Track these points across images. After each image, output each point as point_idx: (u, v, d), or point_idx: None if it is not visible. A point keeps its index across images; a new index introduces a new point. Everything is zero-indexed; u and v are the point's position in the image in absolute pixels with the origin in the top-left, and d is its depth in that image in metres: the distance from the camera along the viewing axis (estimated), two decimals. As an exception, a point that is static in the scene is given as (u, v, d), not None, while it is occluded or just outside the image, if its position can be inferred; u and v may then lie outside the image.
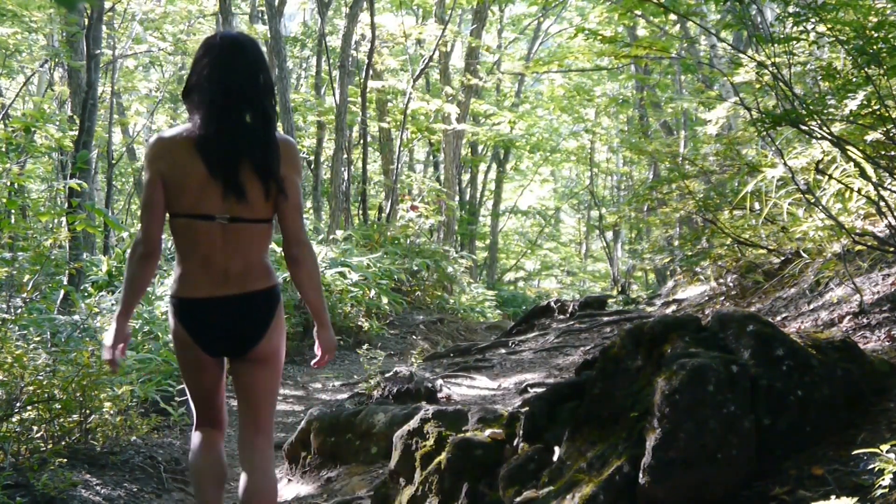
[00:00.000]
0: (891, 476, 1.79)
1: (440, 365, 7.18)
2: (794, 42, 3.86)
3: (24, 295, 5.22)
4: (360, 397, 5.33)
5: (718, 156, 7.47)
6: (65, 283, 6.44)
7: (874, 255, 4.11)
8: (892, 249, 3.86)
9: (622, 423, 2.35)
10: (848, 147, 3.82)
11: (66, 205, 6.45)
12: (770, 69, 3.72)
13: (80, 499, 3.58)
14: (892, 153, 3.97)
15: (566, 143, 22.88)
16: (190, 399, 2.68)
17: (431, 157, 21.33)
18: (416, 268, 11.43)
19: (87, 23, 8.16)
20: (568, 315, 8.52)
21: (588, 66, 17.81)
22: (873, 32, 3.39)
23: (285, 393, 6.97)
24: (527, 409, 2.88)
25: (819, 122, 3.59)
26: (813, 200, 4.30)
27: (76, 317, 5.32)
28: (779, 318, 4.22)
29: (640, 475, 2.12)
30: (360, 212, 14.87)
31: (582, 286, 26.12)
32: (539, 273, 27.18)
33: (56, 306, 5.90)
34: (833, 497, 1.80)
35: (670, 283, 10.65)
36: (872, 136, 3.72)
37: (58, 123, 9.38)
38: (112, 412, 4.33)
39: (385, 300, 9.69)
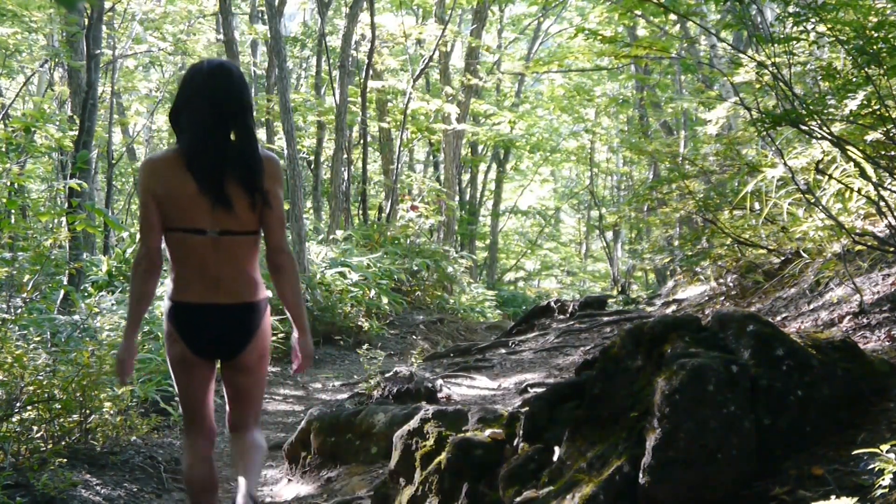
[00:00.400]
0: (891, 476, 1.79)
1: (440, 365, 7.18)
2: (794, 42, 3.86)
3: (24, 295, 5.22)
4: (360, 397, 5.33)
5: (718, 156, 7.47)
6: (65, 283, 6.43)
7: (874, 255, 4.11)
8: (892, 249, 3.86)
9: (622, 423, 2.35)
10: (848, 147, 3.82)
11: (66, 205, 6.45)
12: (770, 69, 3.72)
13: (80, 499, 3.58)
14: (892, 153, 3.97)
15: (566, 143, 22.86)
16: (180, 403, 2.84)
17: (431, 157, 21.33)
18: (416, 268, 11.43)
19: (87, 23, 8.16)
20: (568, 315, 8.52)
21: (588, 66, 17.81)
22: (873, 32, 3.39)
23: (285, 393, 6.97)
24: (527, 409, 2.88)
25: (819, 122, 3.59)
26: (813, 200, 4.30)
27: (76, 317, 5.31)
28: (779, 318, 4.22)
29: (640, 475, 2.12)
30: (360, 212, 14.87)
31: (582, 286, 26.12)
32: (539, 273, 27.18)
33: (56, 306, 5.89)
34: (833, 497, 1.80)
35: (670, 283, 10.65)
36: (872, 136, 3.72)
37: (58, 123, 9.37)
38: (112, 412, 4.33)
39: (385, 300, 9.69)
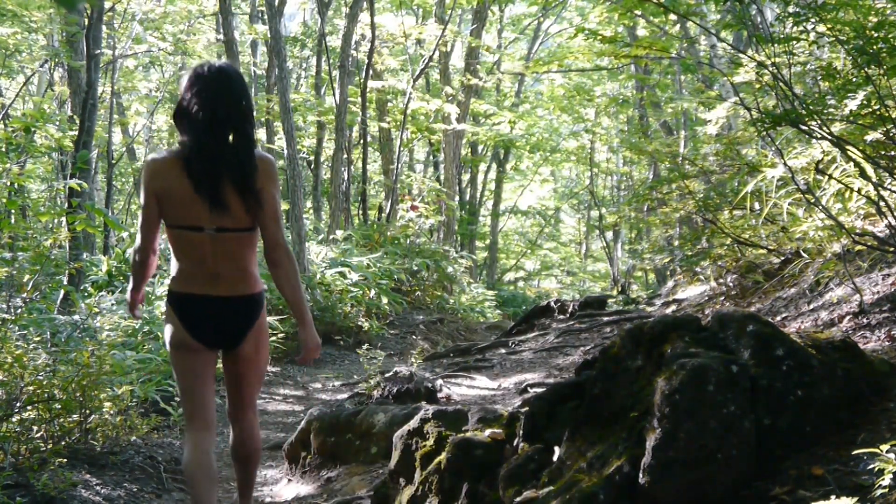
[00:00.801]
0: (891, 476, 1.79)
1: (440, 365, 7.18)
2: (794, 42, 3.86)
3: (24, 295, 5.22)
4: (360, 397, 5.33)
5: (718, 156, 7.47)
6: (65, 283, 6.43)
7: (874, 255, 4.11)
8: (892, 249, 3.86)
9: (622, 423, 2.35)
10: (848, 147, 3.81)
11: (66, 205, 6.44)
12: (770, 69, 3.72)
13: (80, 499, 3.58)
14: (892, 153, 3.97)
15: (566, 143, 22.86)
16: (181, 395, 2.92)
17: (431, 157, 21.32)
18: (416, 268, 11.43)
19: (87, 23, 8.16)
20: (568, 315, 8.53)
21: (588, 66, 17.81)
22: (873, 32, 3.39)
23: (285, 393, 6.97)
24: (527, 409, 2.88)
25: (819, 122, 3.59)
26: (813, 200, 4.30)
27: (76, 317, 5.31)
28: (779, 318, 4.22)
29: (640, 475, 2.12)
30: (360, 212, 14.86)
31: (582, 286, 26.12)
32: (539, 273, 27.18)
33: (56, 306, 5.89)
34: (833, 497, 1.80)
35: (670, 283, 10.65)
36: (872, 136, 3.72)
37: (58, 123, 9.37)
38: (112, 412, 4.32)
39: (385, 300, 9.69)
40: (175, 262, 2.80)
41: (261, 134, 16.09)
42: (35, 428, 3.99)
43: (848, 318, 3.42)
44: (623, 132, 21.30)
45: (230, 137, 2.70)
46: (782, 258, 5.54)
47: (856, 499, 1.74)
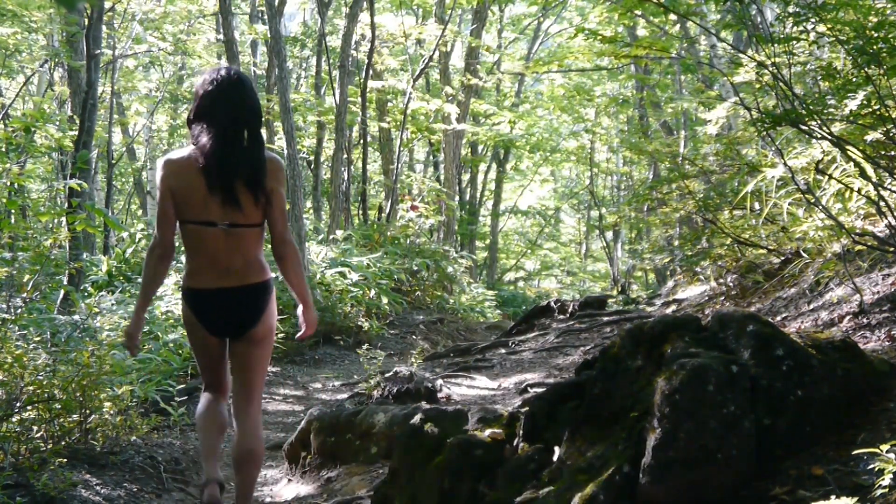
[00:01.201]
0: (891, 476, 1.79)
1: (440, 365, 7.18)
2: (794, 42, 3.86)
3: (24, 295, 5.21)
4: (360, 397, 5.33)
5: (718, 156, 7.47)
6: (65, 283, 6.43)
7: (874, 255, 4.11)
8: (892, 249, 3.86)
9: (622, 423, 2.35)
10: (848, 147, 3.81)
11: (66, 205, 6.44)
12: (770, 69, 3.72)
13: (80, 499, 3.58)
14: (892, 153, 3.97)
15: (566, 143, 22.85)
16: (199, 370, 3.25)
17: (431, 157, 21.32)
18: (416, 268, 11.43)
19: (87, 23, 8.15)
20: (568, 315, 8.52)
21: (588, 66, 17.80)
22: (873, 32, 3.39)
23: (285, 393, 6.97)
24: (527, 409, 2.88)
25: (819, 122, 3.59)
26: (813, 200, 4.30)
27: (76, 317, 5.31)
28: (779, 318, 4.22)
29: (640, 475, 2.12)
30: (360, 212, 14.85)
31: (582, 286, 26.10)
32: (539, 273, 27.17)
33: (56, 306, 5.89)
34: (833, 497, 1.80)
35: (670, 283, 10.65)
36: (872, 136, 3.72)
37: (58, 123, 9.37)
38: (112, 412, 4.32)
39: (385, 300, 9.68)
40: (187, 261, 3.00)
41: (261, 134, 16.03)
42: (35, 428, 3.98)
43: (848, 318, 3.42)
44: (623, 132, 21.30)
45: (244, 139, 2.90)
46: (782, 258, 5.54)
47: (856, 499, 1.74)
